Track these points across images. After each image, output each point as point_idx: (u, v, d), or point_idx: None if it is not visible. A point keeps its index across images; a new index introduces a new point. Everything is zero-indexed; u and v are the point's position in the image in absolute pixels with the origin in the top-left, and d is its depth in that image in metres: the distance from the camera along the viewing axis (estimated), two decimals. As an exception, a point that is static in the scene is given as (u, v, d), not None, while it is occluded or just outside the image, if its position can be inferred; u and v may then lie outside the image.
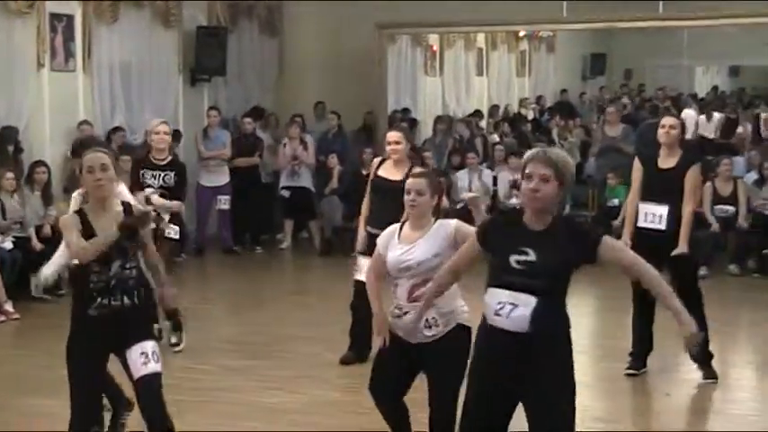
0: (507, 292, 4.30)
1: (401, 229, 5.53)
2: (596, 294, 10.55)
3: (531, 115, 20.30)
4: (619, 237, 7.51)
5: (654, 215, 7.58)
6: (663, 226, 7.54)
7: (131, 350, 5.08)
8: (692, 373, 7.76)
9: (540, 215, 4.37)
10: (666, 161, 7.67)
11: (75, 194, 7.10)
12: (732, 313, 10.02)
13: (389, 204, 6.74)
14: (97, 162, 5.03)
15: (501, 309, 4.28)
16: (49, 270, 7.72)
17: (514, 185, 13.23)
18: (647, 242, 7.37)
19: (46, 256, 10.79)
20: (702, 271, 10.42)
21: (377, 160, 8.07)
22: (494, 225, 4.57)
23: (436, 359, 5.30)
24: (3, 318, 9.85)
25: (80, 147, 6.68)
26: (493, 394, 4.41)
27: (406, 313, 5.34)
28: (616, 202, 12.90)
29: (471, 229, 5.07)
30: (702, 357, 7.58)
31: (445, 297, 5.26)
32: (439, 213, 5.54)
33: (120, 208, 5.20)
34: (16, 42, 11.45)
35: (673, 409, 7.32)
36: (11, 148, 11.35)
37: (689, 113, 16.93)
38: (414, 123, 16.01)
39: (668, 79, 23.41)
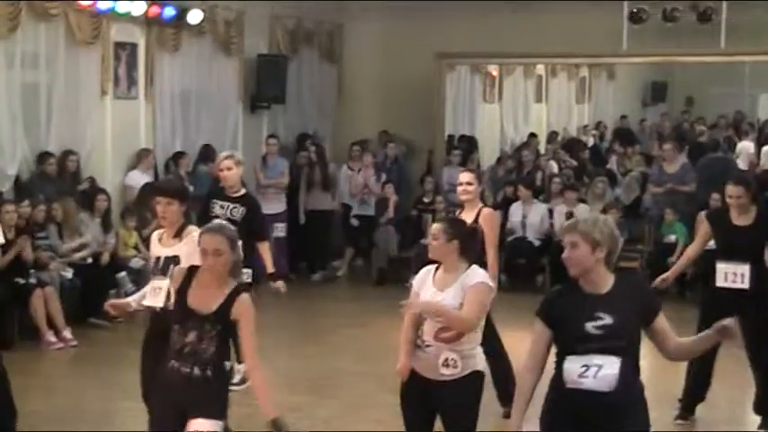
0: (589, 356, 4.41)
1: (437, 269, 5.61)
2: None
3: (590, 142, 20.14)
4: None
5: (735, 274, 7.36)
6: (746, 285, 7.34)
7: (190, 422, 4.96)
8: (748, 425, 7.68)
9: (592, 278, 4.46)
10: (742, 218, 7.44)
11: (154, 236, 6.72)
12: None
13: None
14: (211, 246, 4.97)
15: (586, 371, 4.41)
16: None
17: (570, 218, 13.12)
18: (728, 303, 7.09)
19: (104, 282, 11.05)
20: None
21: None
22: (554, 301, 4.63)
23: (450, 401, 5.43)
24: (61, 344, 10.02)
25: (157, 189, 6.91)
26: None
27: (428, 346, 5.46)
28: (673, 238, 12.74)
29: (481, 296, 5.33)
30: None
31: (468, 342, 5.43)
32: (475, 259, 5.61)
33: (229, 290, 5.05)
34: (81, 71, 11.70)
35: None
36: (72, 168, 11.46)
37: (745, 146, 16.57)
38: (472, 149, 16.07)
39: (731, 106, 23.07)
